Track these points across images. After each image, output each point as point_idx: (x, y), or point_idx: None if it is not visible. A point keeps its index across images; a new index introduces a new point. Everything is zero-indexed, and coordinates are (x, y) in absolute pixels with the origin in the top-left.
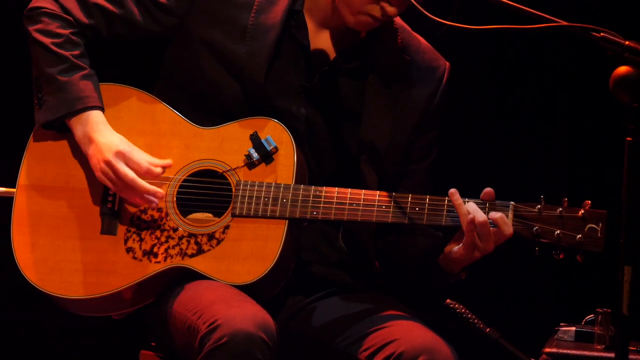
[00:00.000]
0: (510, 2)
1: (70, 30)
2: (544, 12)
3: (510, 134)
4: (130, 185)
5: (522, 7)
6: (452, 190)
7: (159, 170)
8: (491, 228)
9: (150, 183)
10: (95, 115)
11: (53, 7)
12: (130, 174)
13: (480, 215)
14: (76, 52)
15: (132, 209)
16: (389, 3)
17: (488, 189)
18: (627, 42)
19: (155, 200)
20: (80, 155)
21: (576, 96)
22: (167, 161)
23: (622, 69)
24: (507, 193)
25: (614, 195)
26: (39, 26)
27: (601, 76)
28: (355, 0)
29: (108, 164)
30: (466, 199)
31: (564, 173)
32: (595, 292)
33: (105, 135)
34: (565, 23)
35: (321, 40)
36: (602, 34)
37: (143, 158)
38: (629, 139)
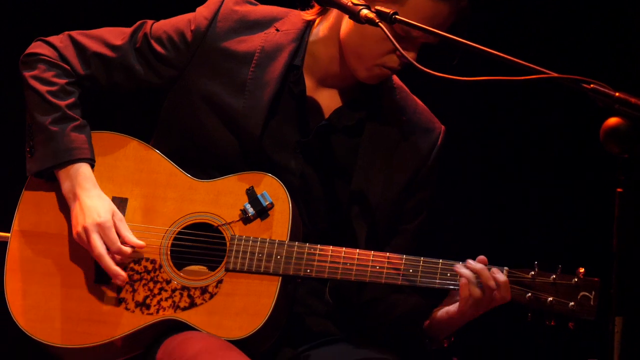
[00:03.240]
0: (500, 54)
1: (66, 80)
2: (533, 63)
3: (503, 196)
4: (97, 259)
5: (512, 58)
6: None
7: (129, 250)
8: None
9: (143, 233)
10: (83, 169)
11: (51, 55)
12: (99, 249)
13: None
14: (70, 102)
15: (125, 260)
16: (407, 49)
17: (481, 257)
18: (617, 94)
19: (118, 278)
20: None
21: (568, 147)
22: (141, 243)
23: (613, 120)
24: (500, 257)
25: (605, 246)
26: (35, 72)
27: (591, 127)
28: (371, 54)
29: (85, 230)
30: (460, 263)
31: (557, 224)
32: (586, 343)
33: (91, 196)
34: (555, 74)
35: (319, 96)
36: (592, 85)
37: (116, 238)
38: (619, 190)
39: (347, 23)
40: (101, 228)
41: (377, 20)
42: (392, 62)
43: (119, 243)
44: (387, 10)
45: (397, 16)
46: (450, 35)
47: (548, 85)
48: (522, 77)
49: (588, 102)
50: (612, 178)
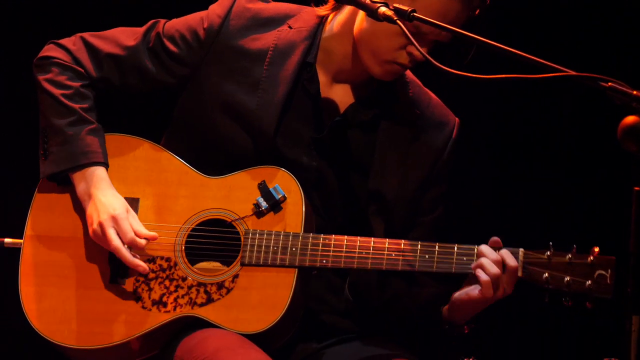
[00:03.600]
0: (518, 52)
1: (81, 83)
2: (551, 62)
3: (518, 182)
4: (114, 252)
5: (530, 56)
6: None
7: (142, 242)
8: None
9: (156, 231)
10: (99, 172)
11: (64, 58)
12: (115, 241)
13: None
14: (85, 106)
15: (139, 252)
16: (415, 47)
17: (495, 238)
18: (635, 92)
19: (139, 269)
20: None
21: (585, 145)
22: (153, 234)
23: (630, 119)
24: (516, 240)
25: (622, 244)
26: (49, 76)
27: (609, 125)
28: (381, 50)
29: (100, 225)
30: (475, 246)
31: (573, 221)
32: (602, 342)
33: (106, 194)
34: (573, 72)
35: (333, 92)
36: (610, 83)
37: (129, 229)
38: (636, 188)
39: (360, 19)
40: (115, 220)
41: (395, 18)
42: (402, 59)
43: (132, 234)
44: (405, 8)
45: (415, 14)
46: (467, 33)
47: (566, 83)
48: (540, 75)
49: (606, 100)
50: (629, 176)
